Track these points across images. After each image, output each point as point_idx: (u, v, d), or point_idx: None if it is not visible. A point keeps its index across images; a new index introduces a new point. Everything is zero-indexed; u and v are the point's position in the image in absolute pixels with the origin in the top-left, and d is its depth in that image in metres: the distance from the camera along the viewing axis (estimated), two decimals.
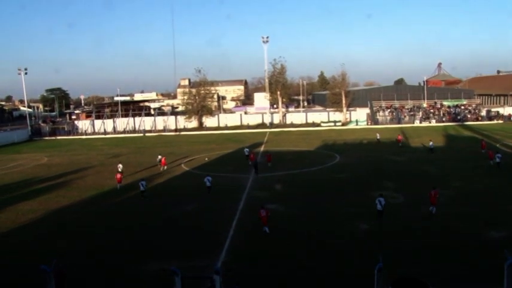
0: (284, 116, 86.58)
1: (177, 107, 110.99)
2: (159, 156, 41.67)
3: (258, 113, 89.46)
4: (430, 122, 77.94)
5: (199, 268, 17.02)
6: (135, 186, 30.47)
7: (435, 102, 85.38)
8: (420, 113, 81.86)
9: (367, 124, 79.36)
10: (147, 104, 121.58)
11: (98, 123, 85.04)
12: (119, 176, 33.65)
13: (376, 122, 79.59)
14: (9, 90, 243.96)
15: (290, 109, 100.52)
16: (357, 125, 79.32)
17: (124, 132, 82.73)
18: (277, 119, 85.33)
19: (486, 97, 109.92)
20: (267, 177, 34.52)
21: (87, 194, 31.57)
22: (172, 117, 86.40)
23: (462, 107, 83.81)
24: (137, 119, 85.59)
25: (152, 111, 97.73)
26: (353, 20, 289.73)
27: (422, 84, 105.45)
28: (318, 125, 79.95)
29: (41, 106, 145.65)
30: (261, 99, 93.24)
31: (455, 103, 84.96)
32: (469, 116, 79.94)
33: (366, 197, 26.47)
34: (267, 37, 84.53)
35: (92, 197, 30.78)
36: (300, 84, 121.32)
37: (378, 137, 55.41)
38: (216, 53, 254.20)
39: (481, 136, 53.59)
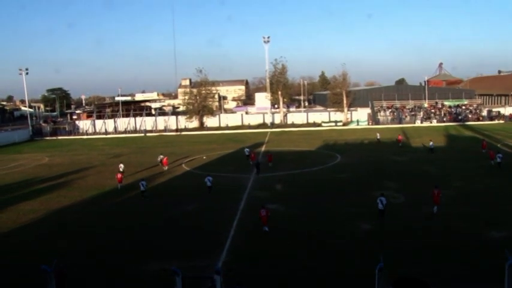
0: (285, 116, 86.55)
1: (178, 107, 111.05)
2: (161, 156, 41.73)
3: (259, 113, 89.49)
4: (431, 122, 77.87)
5: (200, 268, 17.03)
6: (136, 186, 30.48)
7: (436, 102, 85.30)
8: (421, 113, 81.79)
9: (368, 124, 79.32)
10: (148, 104, 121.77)
11: (99, 123, 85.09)
12: (119, 175, 33.69)
13: (377, 122, 79.54)
14: (10, 90, 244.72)
15: (291, 109, 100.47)
16: (357, 125, 79.26)
17: (125, 132, 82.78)
18: (278, 119, 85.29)
19: (487, 97, 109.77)
20: (267, 177, 34.52)
21: (88, 194, 31.61)
22: (173, 117, 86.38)
23: (463, 107, 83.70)
24: (138, 119, 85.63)
25: (153, 111, 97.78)
26: (354, 20, 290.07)
27: (423, 84, 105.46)
28: (319, 125, 79.93)
29: (42, 106, 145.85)
30: (262, 99, 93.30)
31: (456, 103, 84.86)
32: (470, 116, 79.84)
33: (366, 197, 26.47)
34: (268, 37, 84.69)
35: (93, 197, 30.81)
36: (301, 84, 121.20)
37: (378, 137, 55.40)
38: (217, 53, 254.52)
39: (482, 136, 53.52)
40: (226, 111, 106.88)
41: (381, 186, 28.98)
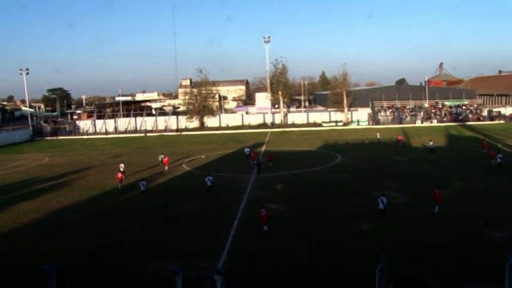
0: (285, 116, 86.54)
1: (178, 107, 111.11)
2: (161, 156, 41.76)
3: (259, 113, 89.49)
4: (431, 122, 77.83)
5: (201, 268, 17.05)
6: (136, 186, 30.50)
7: (436, 102, 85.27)
8: (422, 113, 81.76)
9: (369, 124, 79.30)
10: (148, 104, 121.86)
11: (99, 123, 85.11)
12: (119, 175, 33.75)
13: (377, 122, 79.52)
14: (10, 90, 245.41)
15: (291, 109, 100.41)
16: (358, 125, 79.26)
17: (125, 132, 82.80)
18: (278, 119, 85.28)
19: (488, 97, 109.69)
20: (268, 178, 34.53)
21: (88, 194, 31.63)
22: (174, 117, 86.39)
23: (463, 107, 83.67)
24: (138, 119, 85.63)
25: (154, 111, 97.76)
26: (354, 20, 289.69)
27: (423, 84, 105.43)
28: (320, 125, 79.94)
29: (42, 106, 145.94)
30: (263, 99, 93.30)
31: (457, 103, 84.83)
32: (470, 116, 79.80)
33: (366, 197, 26.50)
34: (269, 37, 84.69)
35: (93, 196, 30.84)
36: (301, 84, 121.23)
37: (378, 137, 55.43)
38: (217, 53, 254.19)
39: (482, 136, 53.50)
40: (227, 111, 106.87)
41: (381, 186, 28.98)
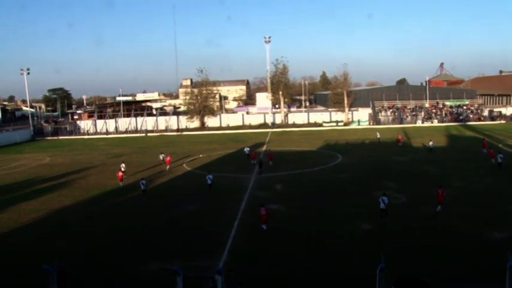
0: (286, 116, 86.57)
1: (179, 107, 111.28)
2: (162, 155, 41.80)
3: (260, 113, 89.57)
4: (432, 122, 77.80)
5: (201, 268, 17.09)
6: (137, 186, 30.55)
7: (437, 102, 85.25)
8: (422, 113, 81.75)
9: (369, 124, 79.31)
10: (149, 104, 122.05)
11: (100, 123, 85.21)
12: (120, 174, 33.84)
13: (378, 122, 79.52)
14: (11, 90, 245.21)
15: (292, 109, 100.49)
16: (358, 125, 79.28)
17: (126, 132, 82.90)
18: (279, 119, 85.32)
19: (488, 97, 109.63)
20: (268, 177, 34.57)
21: (89, 193, 31.70)
22: (174, 117, 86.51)
23: (464, 107, 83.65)
24: (139, 119, 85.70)
25: (154, 111, 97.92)
26: (355, 20, 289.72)
27: (424, 84, 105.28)
28: (320, 125, 79.96)
29: (43, 106, 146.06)
30: (263, 99, 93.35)
31: (458, 103, 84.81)
32: (471, 116, 79.76)
33: (366, 197, 26.54)
34: (269, 37, 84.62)
35: (94, 196, 30.90)
36: (301, 84, 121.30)
37: (378, 136, 55.45)
38: (218, 53, 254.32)
39: (482, 136, 53.48)
40: (227, 111, 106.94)
41: (381, 186, 28.98)
